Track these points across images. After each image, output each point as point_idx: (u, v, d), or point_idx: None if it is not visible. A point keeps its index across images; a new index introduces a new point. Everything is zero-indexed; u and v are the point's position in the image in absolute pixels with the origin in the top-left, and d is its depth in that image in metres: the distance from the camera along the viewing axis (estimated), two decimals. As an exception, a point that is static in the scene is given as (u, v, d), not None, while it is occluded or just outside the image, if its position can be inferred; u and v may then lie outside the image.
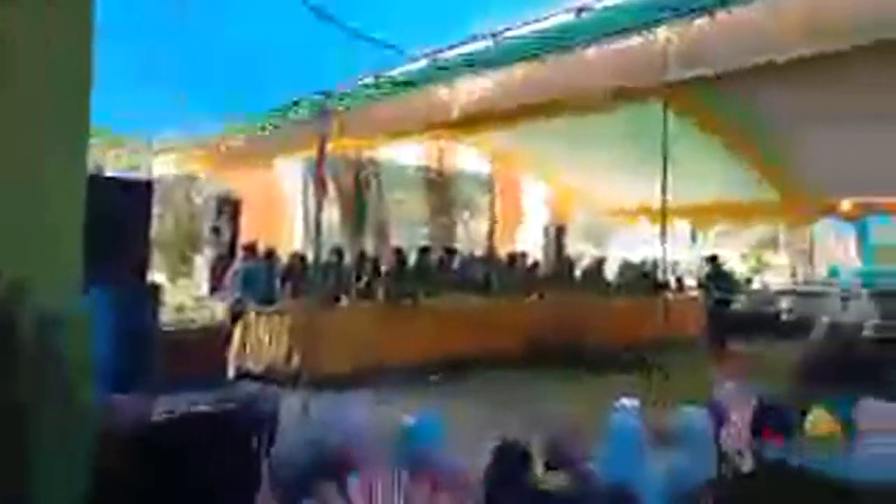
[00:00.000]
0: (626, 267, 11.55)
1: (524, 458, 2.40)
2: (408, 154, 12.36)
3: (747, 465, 3.25)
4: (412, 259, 9.10)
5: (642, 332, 8.75)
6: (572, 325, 8.40)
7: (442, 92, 6.69)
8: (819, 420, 3.03)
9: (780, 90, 7.75)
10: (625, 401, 3.45)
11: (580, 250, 13.09)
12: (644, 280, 10.86)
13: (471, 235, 13.95)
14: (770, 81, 7.46)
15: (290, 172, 11.10)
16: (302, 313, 6.87)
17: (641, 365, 7.54)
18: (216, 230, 9.91)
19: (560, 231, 13.02)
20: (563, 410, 5.21)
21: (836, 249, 12.91)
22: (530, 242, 12.88)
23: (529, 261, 10.56)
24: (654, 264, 10.84)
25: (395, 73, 6.57)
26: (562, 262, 11.53)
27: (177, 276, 11.12)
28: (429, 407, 3.29)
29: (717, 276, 9.88)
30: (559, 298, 9.27)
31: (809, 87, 7.43)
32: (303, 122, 7.66)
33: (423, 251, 9.29)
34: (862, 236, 11.88)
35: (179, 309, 8.43)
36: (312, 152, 6.95)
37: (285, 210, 11.11)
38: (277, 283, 8.39)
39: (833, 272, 12.58)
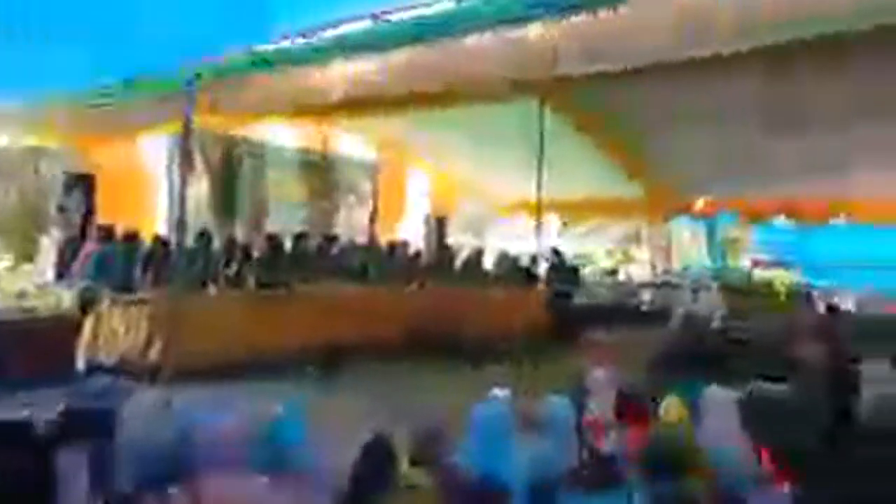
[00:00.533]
0: (502, 258, 11.85)
1: (391, 454, 2.33)
2: (288, 136, 11.90)
3: (608, 450, 3.41)
4: (288, 245, 8.76)
5: (516, 321, 9.01)
6: (450, 314, 8.47)
7: (320, 72, 6.46)
8: (670, 406, 3.22)
9: (647, 92, 8.25)
10: (495, 391, 3.51)
11: (461, 241, 13.25)
12: (519, 272, 11.19)
13: (352, 222, 13.72)
14: (638, 84, 7.93)
15: (154, 148, 10.33)
16: (164, 302, 6.39)
17: (515, 355, 7.77)
18: (62, 208, 9.01)
19: (442, 221, 13.15)
20: (434, 402, 5.23)
21: (691, 245, 14.03)
22: (413, 232, 12.88)
23: (411, 250, 10.53)
24: (530, 257, 11.22)
25: (267, 48, 6.26)
26: (442, 253, 11.62)
27: (19, 260, 10.00)
28: (299, 400, 3.14)
29: (559, 268, 10.32)
30: (438, 288, 9.33)
31: (673, 90, 7.97)
32: (168, 93, 7.12)
33: (300, 237, 8.97)
34: (712, 233, 13.00)
35: (20, 296, 7.62)
36: (179, 127, 6.47)
37: (148, 189, 10.32)
38: (138, 268, 7.75)
39: (687, 266, 13.67)
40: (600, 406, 3.81)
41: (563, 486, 2.82)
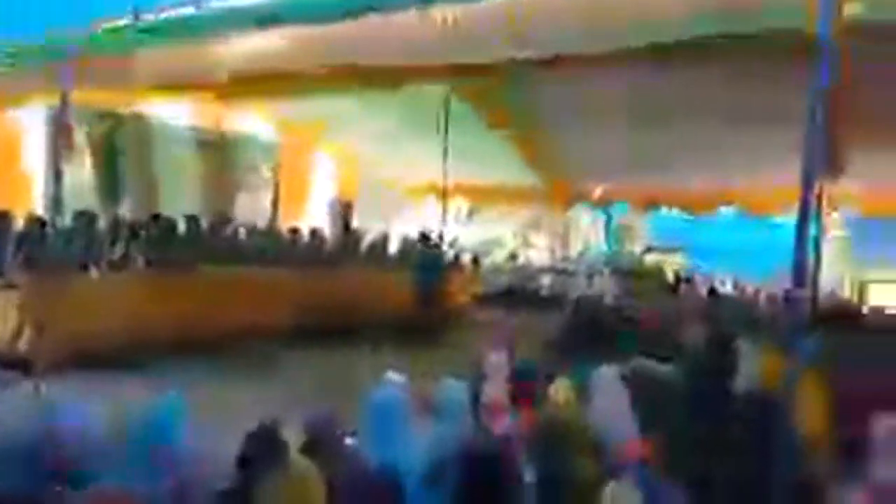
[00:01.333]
0: (408, 243, 11.83)
1: (277, 442, 2.25)
2: (182, 113, 11.23)
3: (503, 433, 3.48)
4: (180, 227, 8.29)
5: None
6: (351, 299, 8.37)
7: (214, 45, 6.12)
8: (559, 388, 3.32)
9: (549, 84, 8.43)
10: (392, 376, 3.49)
11: (367, 225, 13.10)
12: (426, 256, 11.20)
13: (253, 205, 13.22)
14: (541, 75, 8.09)
15: (32, 121, 9.46)
16: (36, 286, 5.88)
17: (416, 337, 7.79)
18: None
19: (348, 205, 12.93)
20: (329, 387, 5.16)
21: (588, 232, 14.63)
22: (317, 215, 12.59)
23: (314, 233, 10.27)
24: (438, 241, 11.22)
25: (156, 17, 5.85)
26: (347, 237, 11.44)
27: None
28: (183, 389, 2.96)
29: (426, 251, 10.38)
30: (340, 272, 9.16)
31: (575, 83, 8.18)
32: (47, 63, 6.53)
33: (192, 219, 8.49)
34: (608, 221, 13.61)
35: None
36: (56, 99, 5.95)
37: (22, 166, 9.45)
38: (9, 250, 7.08)
39: (584, 252, 14.26)
40: (496, 389, 3.88)
41: (457, 469, 2.84)
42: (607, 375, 3.72)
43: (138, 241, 7.64)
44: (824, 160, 6.94)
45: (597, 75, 7.56)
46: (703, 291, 10.38)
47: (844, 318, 7.17)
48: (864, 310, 8.83)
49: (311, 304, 8.01)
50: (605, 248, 13.73)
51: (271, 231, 10.26)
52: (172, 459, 2.19)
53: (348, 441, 3.08)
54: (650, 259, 13.18)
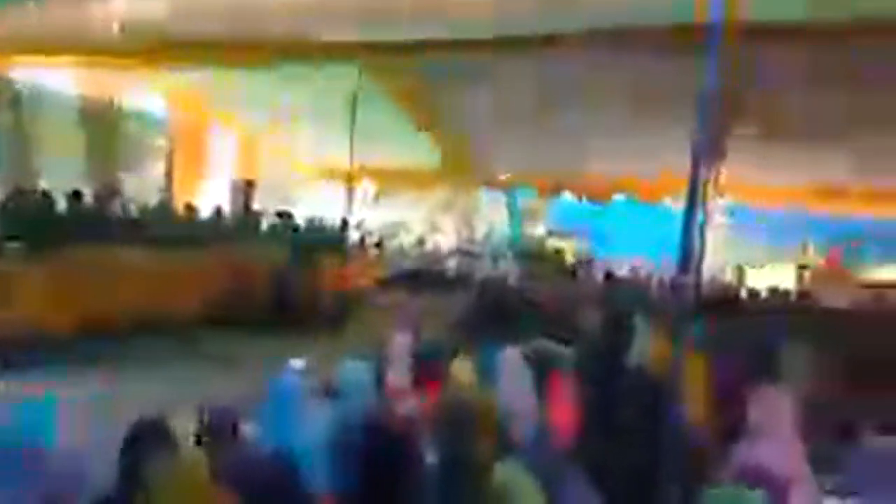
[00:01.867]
0: (314, 225, 11.54)
1: (164, 434, 2.11)
2: (65, 82, 10.33)
3: (406, 415, 3.46)
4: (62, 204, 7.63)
5: (325, 288, 8.85)
6: (251, 282, 8.06)
7: (96, 8, 5.64)
8: (460, 369, 3.34)
9: (457, 69, 8.45)
10: (292, 361, 3.39)
11: (269, 206, 12.64)
12: (331, 238, 10.97)
13: (145, 182, 12.44)
14: (450, 59, 8.09)
15: None
16: None
17: (320, 320, 7.64)
18: None
19: (249, 185, 12.41)
20: (226, 374, 4.96)
21: (493, 216, 14.87)
22: (216, 195, 12.01)
23: (212, 214, 9.77)
24: (342, 223, 11.02)
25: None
26: (248, 218, 10.97)
27: None
28: (66, 383, 2.72)
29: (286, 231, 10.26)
30: (239, 254, 8.77)
31: (481, 68, 8.24)
32: None
33: (76, 195, 7.82)
34: (512, 205, 13.89)
35: None
36: None
37: None
38: None
39: (489, 235, 14.50)
40: (400, 370, 3.86)
41: (357, 451, 2.79)
42: (511, 356, 3.79)
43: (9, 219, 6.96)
44: (711, 150, 7.43)
45: (503, 61, 7.65)
46: (600, 275, 10.85)
47: (726, 303, 7.72)
48: (743, 293, 9.53)
49: (207, 288, 7.62)
50: (509, 231, 14.01)
51: (166, 210, 9.66)
52: (43, 462, 2.00)
53: (245, 429, 2.96)
54: (551, 243, 13.59)
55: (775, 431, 2.83)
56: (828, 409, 3.23)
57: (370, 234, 14.88)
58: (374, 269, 11.08)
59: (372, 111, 8.83)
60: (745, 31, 4.74)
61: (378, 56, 8.13)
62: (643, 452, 2.75)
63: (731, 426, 3.39)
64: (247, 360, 5.31)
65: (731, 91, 6.25)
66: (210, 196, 11.59)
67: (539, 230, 14.37)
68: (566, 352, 4.85)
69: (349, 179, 8.98)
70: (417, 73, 9.03)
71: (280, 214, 10.31)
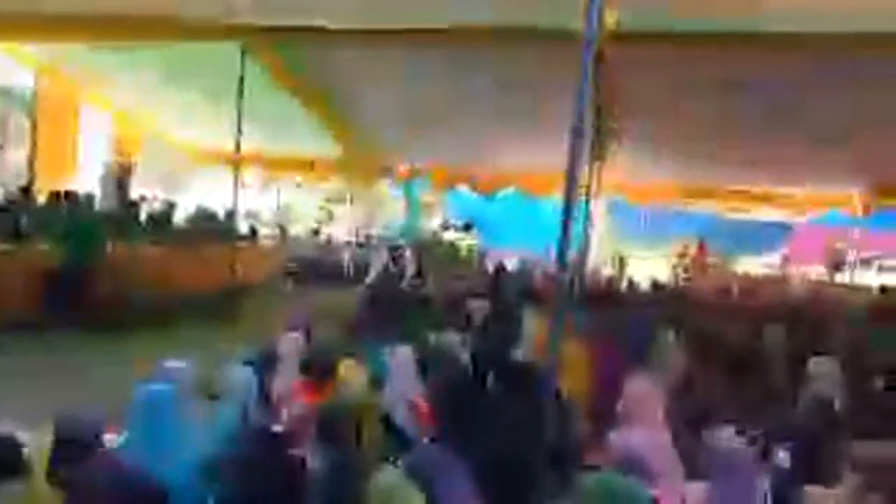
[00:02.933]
0: (200, 214, 10.98)
1: (15, 449, 1.93)
2: None
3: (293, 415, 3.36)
4: None
5: (210, 281, 8.43)
6: (126, 276, 7.51)
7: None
8: (347, 369, 3.29)
9: (354, 58, 8.27)
10: (168, 363, 3.18)
11: (150, 193, 11.85)
12: (218, 228, 10.49)
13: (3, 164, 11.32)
14: (345, 47, 7.91)
15: None
16: None
17: (205, 317, 7.28)
18: None
19: (126, 169, 11.55)
20: (92, 381, 4.58)
21: (391, 207, 14.82)
22: (88, 180, 11.09)
23: (83, 200, 8.99)
24: (230, 212, 10.56)
25: None
26: (125, 207, 10.21)
27: None
28: None
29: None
30: (115, 246, 8.15)
31: (377, 58, 8.12)
32: None
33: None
34: (409, 197, 13.88)
35: None
36: None
37: None
38: None
39: (387, 227, 14.43)
40: (289, 370, 3.75)
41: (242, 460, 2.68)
42: (401, 352, 3.78)
43: None
44: (590, 149, 7.78)
45: (399, 50, 7.59)
46: (492, 267, 11.11)
47: (605, 295, 8.14)
48: (623, 284, 10.11)
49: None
50: (406, 223, 14.00)
51: (28, 196, 8.79)
52: None
53: (110, 440, 2.77)
54: (447, 236, 13.73)
55: (645, 419, 3.01)
56: (693, 397, 3.47)
57: (262, 223, 14.41)
58: (264, 260, 10.72)
59: (262, 97, 8.49)
60: (620, 35, 4.98)
61: (265, 38, 7.82)
62: (528, 442, 2.82)
63: (610, 414, 3.58)
64: (116, 363, 4.94)
65: (607, 91, 6.57)
66: (80, 181, 10.69)
67: (435, 222, 14.48)
68: (457, 344, 4.90)
69: (237, 166, 8.58)
70: (311, 58, 8.76)
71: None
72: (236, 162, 8.51)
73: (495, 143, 10.25)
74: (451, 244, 12.74)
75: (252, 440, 2.74)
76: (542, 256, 11.05)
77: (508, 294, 7.83)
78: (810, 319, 6.07)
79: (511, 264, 11.31)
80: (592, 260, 9.57)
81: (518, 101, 8.47)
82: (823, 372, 3.83)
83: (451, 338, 4.77)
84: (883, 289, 10.55)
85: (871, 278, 12.86)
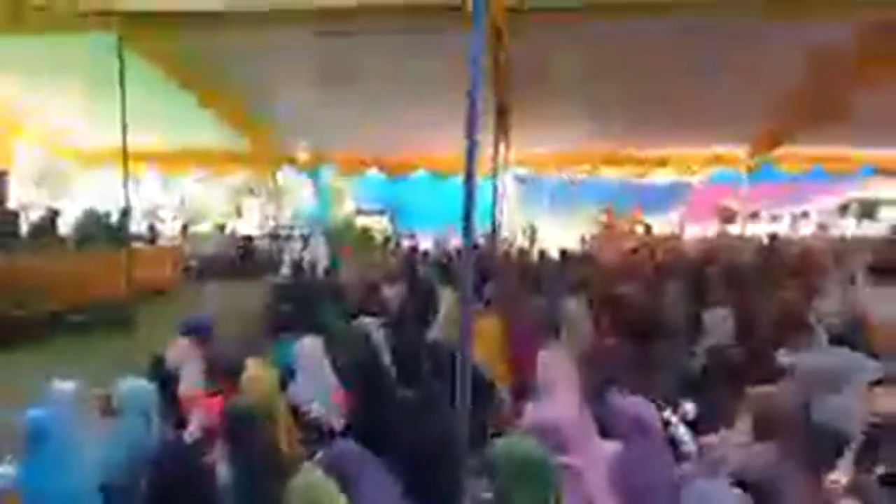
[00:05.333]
0: (88, 217, 10.22)
1: None
2: None
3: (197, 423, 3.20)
4: None
5: (103, 288, 7.89)
6: (6, 289, 6.92)
7: None
8: (252, 367, 3.16)
9: (245, 44, 7.88)
10: (58, 384, 2.95)
11: (30, 199, 10.95)
12: (111, 231, 9.81)
13: None
14: (233, 34, 7.54)
15: None
16: None
17: (100, 325, 6.83)
18: None
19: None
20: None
21: (299, 196, 14.42)
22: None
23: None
24: (124, 213, 9.91)
25: None
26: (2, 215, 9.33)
27: None
28: None
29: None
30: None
31: (269, 42, 7.79)
32: None
33: None
34: (317, 184, 13.53)
35: None
36: None
37: None
38: None
39: (296, 216, 14.04)
40: (193, 376, 3.57)
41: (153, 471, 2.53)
42: (309, 344, 3.68)
43: None
44: (495, 124, 7.84)
45: (284, 34, 7.32)
46: (408, 249, 11.08)
47: (516, 267, 8.30)
48: (534, 255, 10.31)
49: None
50: (316, 211, 13.67)
51: None
52: None
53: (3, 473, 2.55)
54: (360, 221, 13.53)
55: (558, 388, 3.08)
56: (601, 362, 3.58)
57: (162, 221, 13.72)
58: (165, 260, 10.16)
59: (148, 89, 7.98)
60: (516, 9, 4.99)
61: (141, 26, 7.33)
62: (446, 423, 2.83)
63: (526, 384, 3.64)
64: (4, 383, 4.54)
65: (505, 64, 6.62)
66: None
67: (346, 208, 14.24)
68: (375, 330, 4.83)
69: (126, 164, 8.04)
70: (202, 51, 8.29)
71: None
72: (126, 159, 7.97)
73: (402, 125, 10.14)
74: (365, 229, 12.57)
75: (159, 453, 2.59)
76: (456, 235, 11.11)
77: (424, 276, 7.84)
78: (706, 273, 6.41)
79: (426, 245, 11.32)
80: (503, 233, 9.71)
81: (422, 81, 8.40)
82: (717, 323, 4.06)
83: (366, 323, 4.70)
84: (772, 237, 11.40)
85: (761, 228, 13.88)
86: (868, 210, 15.25)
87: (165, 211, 15.33)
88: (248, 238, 13.26)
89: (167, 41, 7.86)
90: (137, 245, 9.51)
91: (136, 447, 2.70)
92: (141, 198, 13.39)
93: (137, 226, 10.80)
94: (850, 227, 14.89)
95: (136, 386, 2.92)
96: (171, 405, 3.30)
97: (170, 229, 13.25)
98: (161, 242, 11.48)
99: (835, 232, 13.80)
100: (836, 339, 3.75)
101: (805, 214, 15.81)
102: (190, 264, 11.11)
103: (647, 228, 13.03)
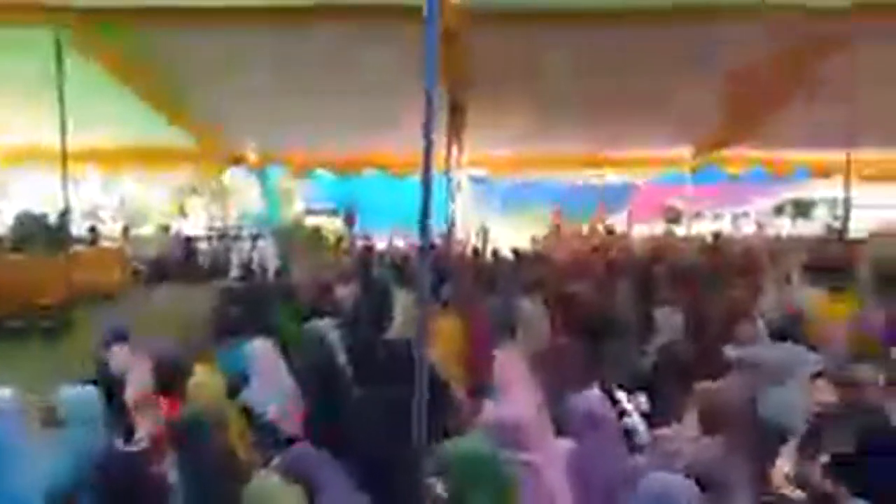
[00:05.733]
0: (24, 219, 9.74)
1: None
2: None
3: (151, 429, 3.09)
4: None
5: (38, 293, 7.52)
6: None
7: None
8: (199, 374, 3.08)
9: (190, 39, 7.67)
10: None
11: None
12: (50, 233, 9.37)
13: None
14: (179, 29, 7.33)
15: None
16: None
17: (38, 332, 6.53)
18: None
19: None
20: None
21: (247, 196, 14.05)
22: None
23: None
24: (63, 214, 9.50)
25: None
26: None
27: None
28: None
29: None
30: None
31: (215, 38, 7.60)
32: None
33: None
34: (265, 184, 13.25)
35: None
36: None
37: None
38: None
39: (244, 216, 13.68)
40: (139, 383, 3.44)
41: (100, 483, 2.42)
42: (260, 347, 3.60)
43: None
44: (449, 125, 7.87)
45: (237, 30, 7.17)
46: (362, 249, 10.96)
47: (470, 266, 8.34)
48: (488, 255, 10.36)
49: None
50: (265, 212, 13.38)
51: None
52: None
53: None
54: (310, 221, 13.30)
55: (515, 387, 3.11)
56: (556, 360, 3.63)
57: (102, 222, 13.20)
58: (106, 263, 9.75)
59: (86, 86, 7.69)
60: (468, 11, 5.02)
61: (89, 24, 7.06)
62: (403, 424, 2.81)
63: (483, 383, 3.65)
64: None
65: (458, 65, 6.65)
66: None
67: (296, 208, 13.98)
68: (329, 331, 4.77)
69: (63, 163, 7.72)
70: (145, 46, 8.03)
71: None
72: (65, 159, 7.65)
73: (351, 125, 10.05)
74: (316, 229, 12.36)
75: (106, 464, 2.49)
76: (409, 234, 11.07)
77: (378, 276, 7.79)
78: (654, 272, 6.58)
79: (380, 245, 11.23)
80: (457, 233, 9.73)
81: (374, 81, 8.34)
82: (667, 322, 4.17)
83: (320, 325, 4.63)
84: (716, 235, 11.80)
85: (706, 226, 14.34)
86: (803, 210, 15.95)
87: (105, 212, 14.73)
88: (192, 239, 12.87)
89: (117, 37, 7.59)
90: (79, 248, 9.12)
91: (82, 456, 2.59)
92: (81, 199, 12.83)
93: (77, 228, 10.33)
94: (784, 226, 15.56)
95: (82, 392, 2.80)
96: (118, 412, 3.17)
97: (110, 231, 12.73)
98: (104, 244, 11.02)
99: (771, 231, 14.41)
100: (778, 334, 3.92)
101: (745, 214, 16.42)
102: (137, 267, 10.71)
103: (609, 229, 13.32)
